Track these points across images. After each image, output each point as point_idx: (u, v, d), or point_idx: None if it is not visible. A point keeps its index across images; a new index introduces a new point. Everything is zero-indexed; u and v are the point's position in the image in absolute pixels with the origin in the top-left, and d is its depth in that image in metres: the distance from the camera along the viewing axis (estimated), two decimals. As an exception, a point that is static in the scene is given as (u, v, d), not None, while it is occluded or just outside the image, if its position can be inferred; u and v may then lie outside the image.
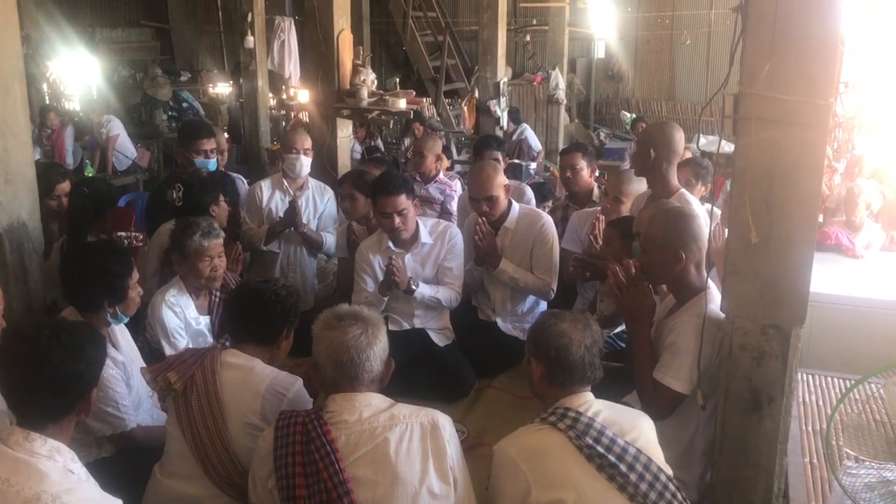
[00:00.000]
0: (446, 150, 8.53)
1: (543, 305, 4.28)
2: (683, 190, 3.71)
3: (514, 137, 10.02)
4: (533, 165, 9.07)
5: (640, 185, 4.17)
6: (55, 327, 2.05)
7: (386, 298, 3.90)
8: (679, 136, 3.64)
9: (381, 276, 3.89)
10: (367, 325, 2.31)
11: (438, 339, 4.05)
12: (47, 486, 1.84)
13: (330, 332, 2.30)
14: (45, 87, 10.36)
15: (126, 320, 3.09)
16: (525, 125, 10.44)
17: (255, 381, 2.54)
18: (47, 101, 9.97)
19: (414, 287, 3.81)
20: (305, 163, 4.82)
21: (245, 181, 5.38)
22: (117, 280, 2.94)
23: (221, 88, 11.92)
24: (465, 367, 3.94)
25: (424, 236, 3.97)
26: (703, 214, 3.05)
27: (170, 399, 2.58)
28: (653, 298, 2.86)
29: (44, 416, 1.97)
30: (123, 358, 3.04)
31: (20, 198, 3.35)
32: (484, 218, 4.04)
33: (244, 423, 2.50)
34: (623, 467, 2.13)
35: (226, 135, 7.99)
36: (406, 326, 3.98)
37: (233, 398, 2.52)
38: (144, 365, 3.07)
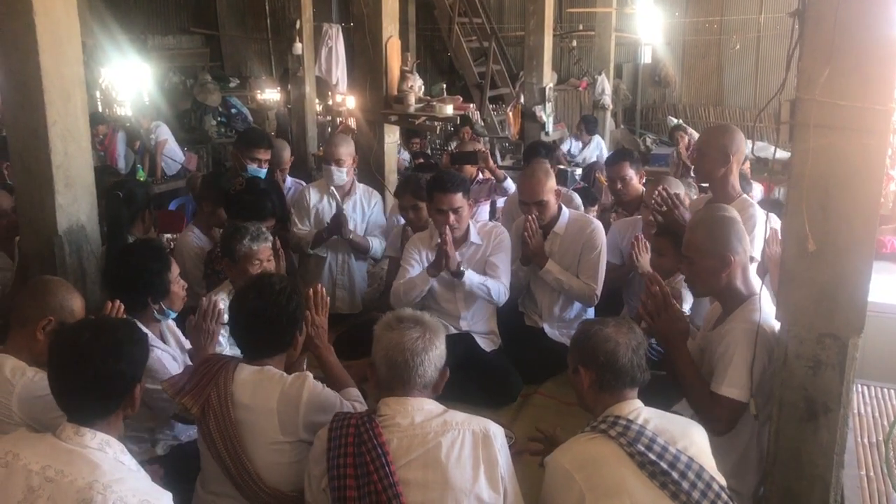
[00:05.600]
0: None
1: (591, 312, 4.25)
2: (745, 195, 3.65)
3: (588, 150, 9.71)
4: (578, 171, 8.99)
5: (677, 192, 4.13)
6: (95, 328, 2.10)
7: (432, 281, 3.91)
8: (742, 138, 3.61)
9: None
10: (426, 330, 2.31)
11: (485, 345, 4.05)
12: (99, 476, 1.91)
13: (388, 333, 2.31)
14: (97, 93, 10.59)
15: (173, 315, 3.16)
16: (600, 138, 10.08)
17: (266, 398, 2.48)
18: (100, 108, 10.19)
19: (463, 269, 3.82)
20: (341, 174, 4.80)
21: (304, 184, 5.44)
22: (156, 276, 3.03)
23: (270, 94, 12.06)
24: (512, 373, 3.92)
25: (474, 236, 4.01)
26: (763, 221, 3.01)
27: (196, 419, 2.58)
28: (685, 322, 2.84)
29: (90, 413, 2.04)
30: (174, 352, 3.11)
31: (79, 201, 3.45)
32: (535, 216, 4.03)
33: (268, 443, 2.47)
34: (675, 475, 2.11)
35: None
36: (452, 330, 3.99)
37: (248, 420, 2.48)
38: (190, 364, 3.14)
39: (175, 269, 3.12)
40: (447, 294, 3.99)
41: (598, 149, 9.77)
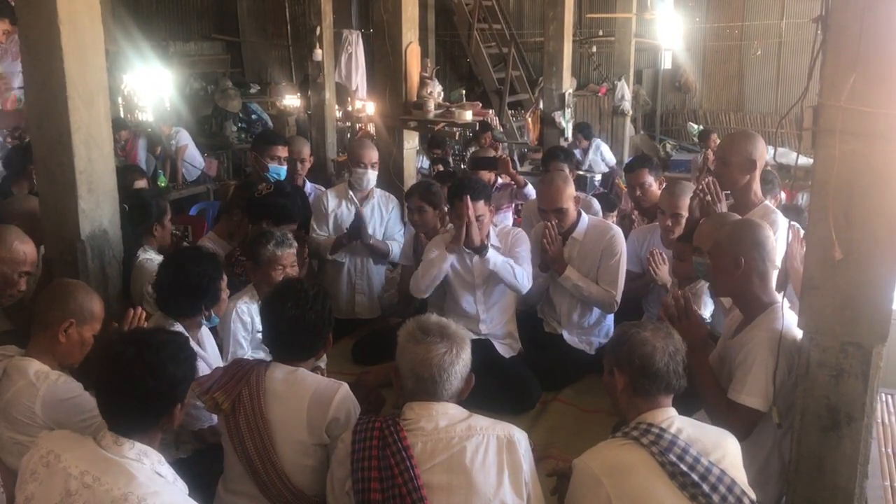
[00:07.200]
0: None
1: (610, 319, 4.23)
2: (767, 202, 3.62)
3: (591, 154, 9.83)
4: (598, 177, 8.97)
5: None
6: (140, 345, 2.08)
7: (450, 259, 3.90)
8: (764, 144, 3.59)
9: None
10: (453, 344, 2.30)
11: (504, 351, 4.04)
12: (134, 488, 1.92)
13: (414, 346, 2.30)
14: (119, 99, 10.67)
15: (217, 321, 3.20)
16: (599, 140, 10.15)
17: (299, 397, 2.50)
18: (121, 114, 10.27)
19: (488, 244, 3.81)
20: (372, 177, 4.89)
21: (323, 189, 5.47)
22: (213, 283, 3.08)
23: (290, 101, 12.09)
24: (531, 379, 3.91)
25: (493, 240, 4.01)
26: (785, 227, 3.00)
27: (221, 417, 2.57)
28: (705, 329, 2.84)
29: (128, 426, 2.05)
30: (209, 360, 3.14)
31: (102, 206, 3.48)
32: (554, 222, 4.02)
33: (294, 442, 2.49)
34: (706, 487, 2.08)
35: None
36: (472, 335, 3.97)
37: (279, 417, 2.50)
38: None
39: (224, 278, 3.17)
40: (466, 294, 3.98)
41: (597, 151, 9.79)
